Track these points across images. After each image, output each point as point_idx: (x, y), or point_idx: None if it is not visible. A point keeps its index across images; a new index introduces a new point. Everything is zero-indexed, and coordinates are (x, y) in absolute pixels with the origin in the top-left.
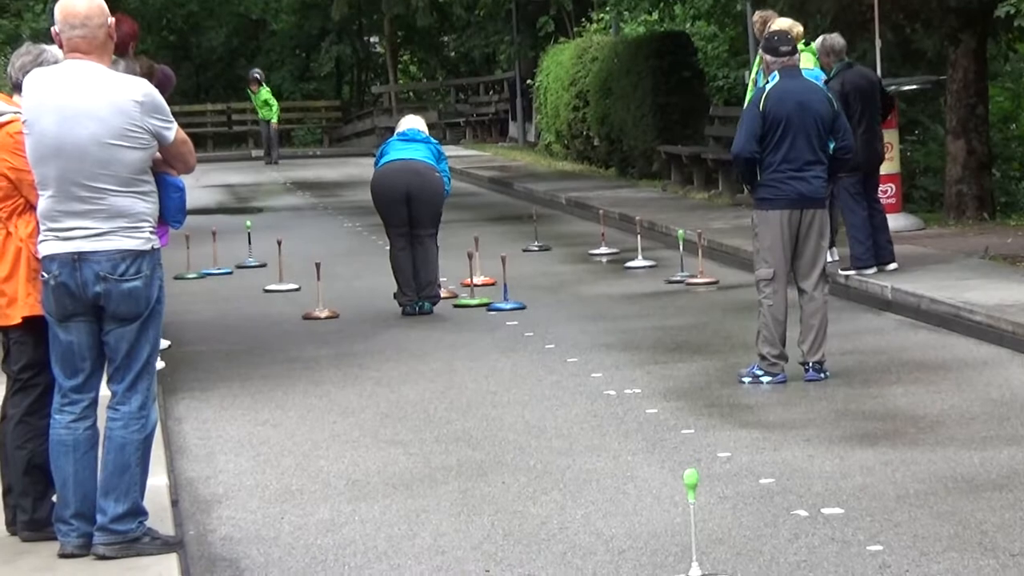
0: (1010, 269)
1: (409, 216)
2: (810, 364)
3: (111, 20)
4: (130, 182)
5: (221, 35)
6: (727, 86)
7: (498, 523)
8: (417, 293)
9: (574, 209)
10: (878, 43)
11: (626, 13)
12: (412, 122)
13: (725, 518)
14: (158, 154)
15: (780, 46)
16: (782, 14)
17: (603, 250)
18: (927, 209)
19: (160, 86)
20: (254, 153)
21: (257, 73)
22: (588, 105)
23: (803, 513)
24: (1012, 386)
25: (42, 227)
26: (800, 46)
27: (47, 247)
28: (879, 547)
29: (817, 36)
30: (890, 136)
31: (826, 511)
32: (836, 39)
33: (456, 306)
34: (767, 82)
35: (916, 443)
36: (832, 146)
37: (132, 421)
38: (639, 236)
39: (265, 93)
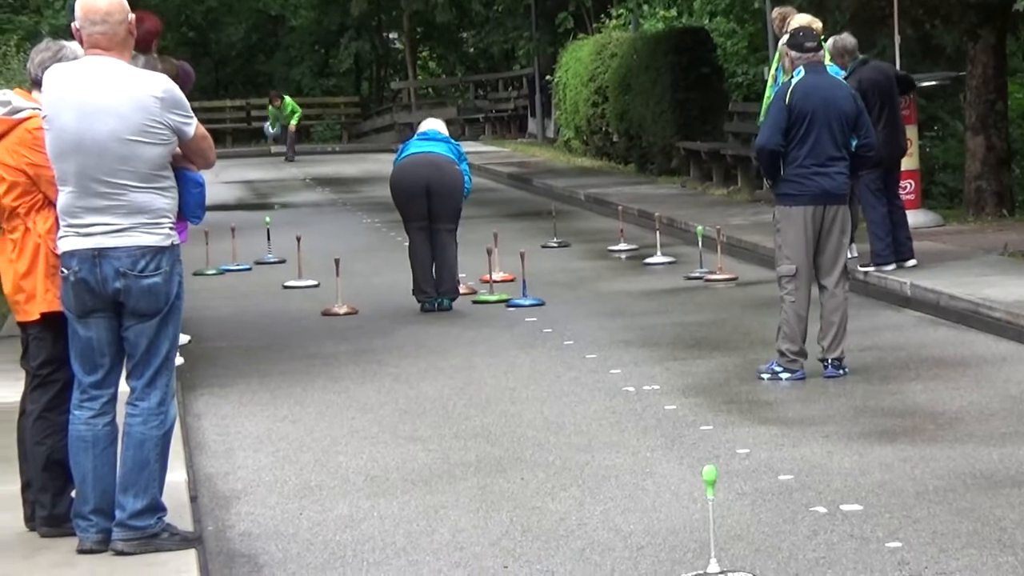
0: None
1: (428, 210)
2: (829, 360)
3: (131, 16)
4: (150, 178)
5: (240, 31)
6: (746, 82)
7: (516, 519)
8: (436, 289)
9: (593, 205)
10: (897, 39)
11: (645, 7)
12: (432, 124)
13: (744, 514)
14: (178, 150)
15: (805, 42)
16: (801, 10)
17: (622, 246)
18: (946, 205)
19: (180, 82)
20: (273, 149)
21: (277, 92)
22: (607, 101)
23: (822, 510)
24: None
25: (62, 223)
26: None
27: (67, 243)
28: (898, 544)
29: (836, 32)
30: (909, 132)
31: (845, 507)
32: (847, 39)
33: (475, 302)
34: (791, 77)
35: (935, 440)
36: (855, 143)
37: (151, 417)
38: (658, 232)
39: (290, 104)
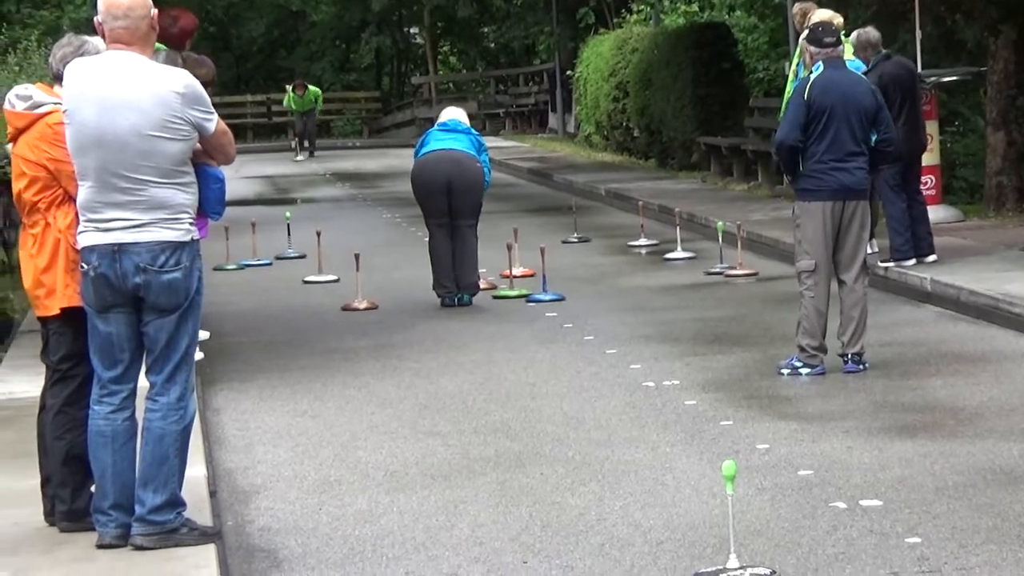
0: None
1: (449, 206)
2: (849, 356)
3: (154, 12)
4: (170, 173)
5: (261, 26)
6: (767, 78)
7: (536, 514)
8: (456, 284)
9: (613, 200)
10: (919, 34)
11: (665, 2)
12: (453, 113)
13: (763, 510)
14: (198, 145)
15: (824, 37)
16: (822, 5)
17: (642, 241)
18: (967, 201)
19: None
20: (295, 144)
21: (303, 81)
22: (628, 96)
23: (841, 505)
24: None
25: (82, 218)
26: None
27: (87, 238)
28: (917, 539)
29: (857, 27)
30: (930, 127)
31: (864, 503)
32: (871, 32)
33: (495, 297)
34: (810, 72)
35: (955, 435)
36: (874, 138)
37: (171, 412)
38: (678, 228)
39: (314, 92)
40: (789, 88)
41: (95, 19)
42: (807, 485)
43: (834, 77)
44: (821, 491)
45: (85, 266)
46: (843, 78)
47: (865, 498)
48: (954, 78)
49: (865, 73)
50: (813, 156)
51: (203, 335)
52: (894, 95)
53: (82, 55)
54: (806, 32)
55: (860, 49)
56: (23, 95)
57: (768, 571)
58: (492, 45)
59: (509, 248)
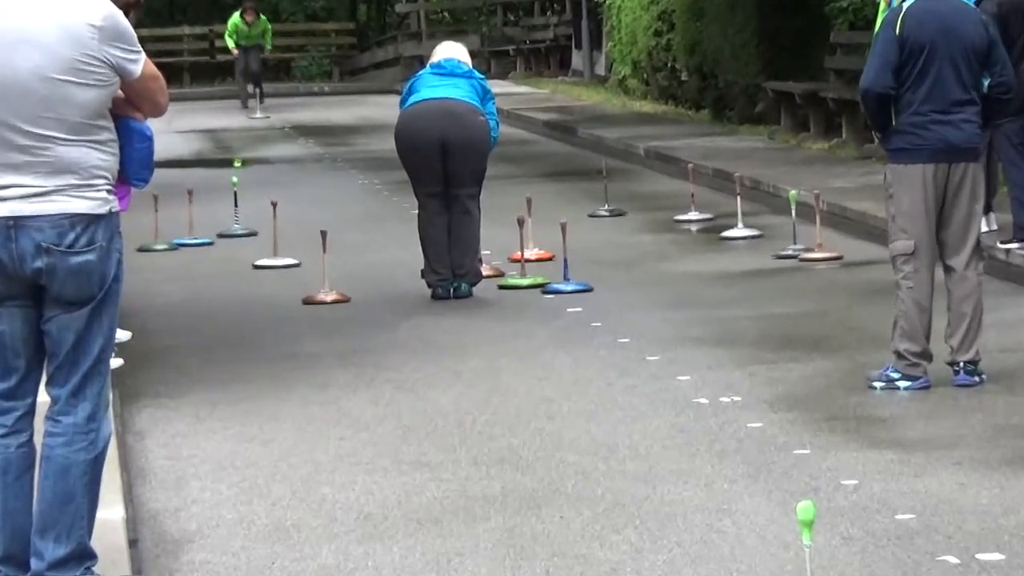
0: None
1: (444, 172)
2: (961, 364)
3: None
4: (82, 128)
5: None
6: (852, 6)
7: (555, 570)
8: (452, 271)
9: (655, 163)
10: None
11: None
12: (450, 50)
13: (851, 564)
14: (120, 93)
15: None
16: None
17: (692, 215)
18: None
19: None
20: (259, 113)
21: (254, 5)
22: (673, 29)
23: (952, 560)
24: None
25: None
26: None
27: None
28: None
29: None
30: None
31: (982, 556)
32: None
33: (502, 287)
34: (903, 0)
35: None
36: (987, 83)
37: (78, 436)
38: (739, 198)
39: (264, 24)
40: (880, 19)
41: None
42: (908, 533)
43: (932, 6)
44: (926, 541)
45: None
46: (944, 7)
47: (983, 550)
48: None
49: (978, 2)
50: (909, 107)
51: (122, 336)
52: (1015, 28)
53: None
54: None
55: None
56: None
57: None
58: None
59: (521, 224)
